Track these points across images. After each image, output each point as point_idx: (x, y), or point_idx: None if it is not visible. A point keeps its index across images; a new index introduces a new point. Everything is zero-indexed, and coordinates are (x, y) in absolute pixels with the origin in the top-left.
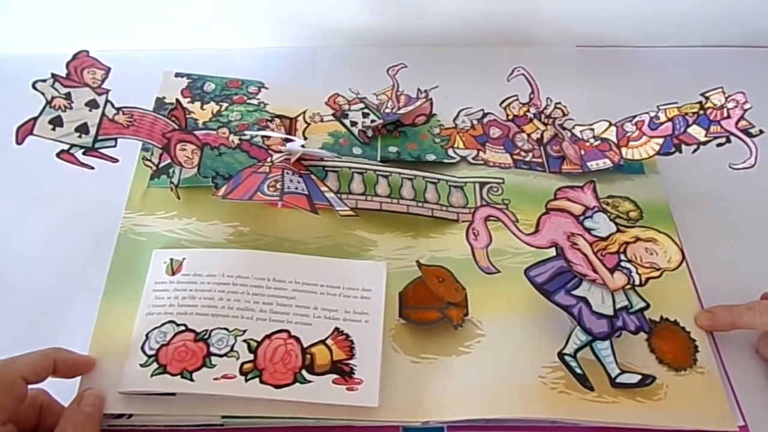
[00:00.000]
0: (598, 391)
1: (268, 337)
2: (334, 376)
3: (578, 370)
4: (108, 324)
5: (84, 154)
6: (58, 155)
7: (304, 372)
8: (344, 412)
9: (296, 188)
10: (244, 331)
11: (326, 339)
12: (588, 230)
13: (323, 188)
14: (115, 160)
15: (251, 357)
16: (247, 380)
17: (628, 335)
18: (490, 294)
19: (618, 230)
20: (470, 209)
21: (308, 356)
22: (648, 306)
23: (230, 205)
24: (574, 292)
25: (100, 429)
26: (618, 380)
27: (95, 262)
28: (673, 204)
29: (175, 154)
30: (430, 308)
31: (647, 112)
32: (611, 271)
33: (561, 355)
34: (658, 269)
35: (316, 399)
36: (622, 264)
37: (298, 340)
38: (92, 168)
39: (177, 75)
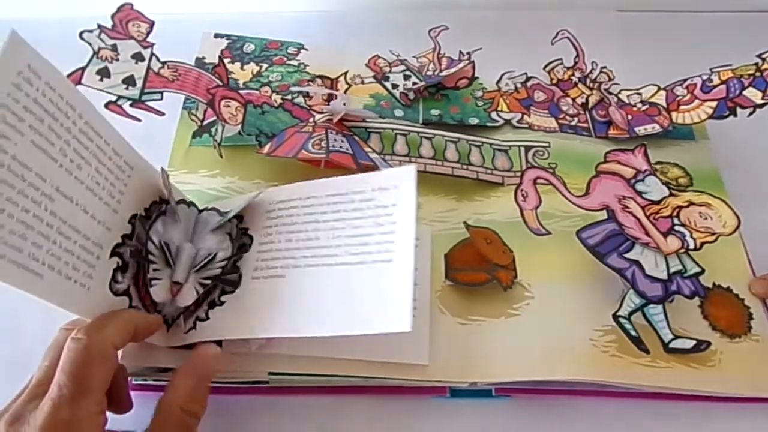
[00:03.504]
0: (652, 356)
1: None
2: None
3: (633, 333)
4: None
5: (131, 106)
6: (106, 106)
7: None
8: (392, 370)
9: (341, 147)
10: None
11: None
12: (639, 193)
13: (367, 149)
14: (162, 114)
15: None
16: None
17: (680, 301)
18: (538, 257)
19: (671, 194)
20: (515, 173)
21: None
22: (703, 271)
23: (273, 165)
24: (627, 255)
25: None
26: (671, 345)
27: None
28: (722, 170)
29: (219, 110)
30: (478, 270)
31: (699, 75)
32: (664, 234)
33: (616, 317)
34: (712, 234)
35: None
36: (676, 228)
37: None
38: (139, 120)
39: (216, 36)
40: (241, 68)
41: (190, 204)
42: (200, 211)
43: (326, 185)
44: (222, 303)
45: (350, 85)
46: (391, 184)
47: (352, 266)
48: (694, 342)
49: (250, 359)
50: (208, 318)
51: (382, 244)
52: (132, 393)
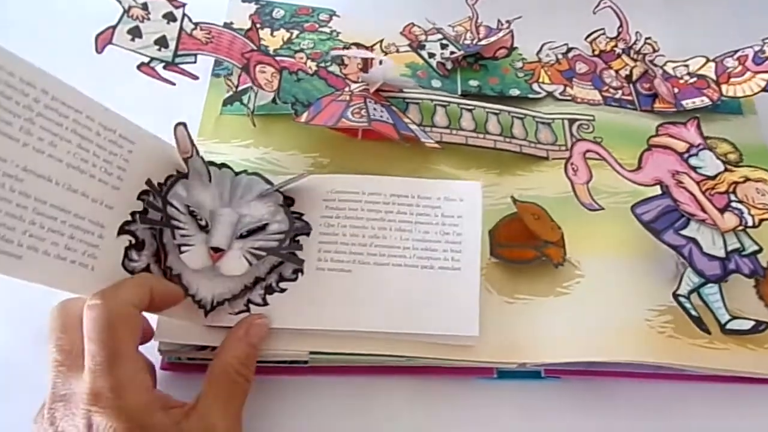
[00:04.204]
0: (710, 337)
1: None
2: None
3: (693, 312)
4: None
5: (164, 68)
6: (138, 67)
7: None
8: (438, 350)
9: (381, 116)
10: None
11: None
12: (693, 168)
13: (406, 120)
14: (196, 77)
15: None
16: None
17: (735, 281)
18: (587, 234)
19: (726, 169)
20: (560, 146)
21: None
22: (761, 249)
23: (309, 135)
24: (683, 232)
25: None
26: (728, 326)
27: None
28: None
29: (255, 75)
30: (526, 246)
31: (751, 46)
32: (721, 211)
33: (676, 296)
34: None
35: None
36: (733, 204)
37: None
38: (173, 84)
39: (244, 0)
40: (271, 34)
41: (221, 166)
42: (236, 174)
43: (390, 184)
44: (282, 290)
45: (386, 53)
46: (457, 196)
47: (419, 270)
48: (752, 323)
49: (291, 337)
50: (266, 304)
51: (449, 253)
52: (164, 373)
